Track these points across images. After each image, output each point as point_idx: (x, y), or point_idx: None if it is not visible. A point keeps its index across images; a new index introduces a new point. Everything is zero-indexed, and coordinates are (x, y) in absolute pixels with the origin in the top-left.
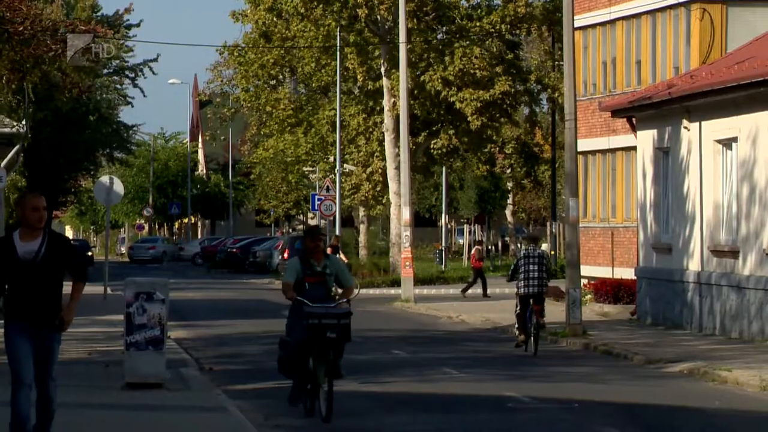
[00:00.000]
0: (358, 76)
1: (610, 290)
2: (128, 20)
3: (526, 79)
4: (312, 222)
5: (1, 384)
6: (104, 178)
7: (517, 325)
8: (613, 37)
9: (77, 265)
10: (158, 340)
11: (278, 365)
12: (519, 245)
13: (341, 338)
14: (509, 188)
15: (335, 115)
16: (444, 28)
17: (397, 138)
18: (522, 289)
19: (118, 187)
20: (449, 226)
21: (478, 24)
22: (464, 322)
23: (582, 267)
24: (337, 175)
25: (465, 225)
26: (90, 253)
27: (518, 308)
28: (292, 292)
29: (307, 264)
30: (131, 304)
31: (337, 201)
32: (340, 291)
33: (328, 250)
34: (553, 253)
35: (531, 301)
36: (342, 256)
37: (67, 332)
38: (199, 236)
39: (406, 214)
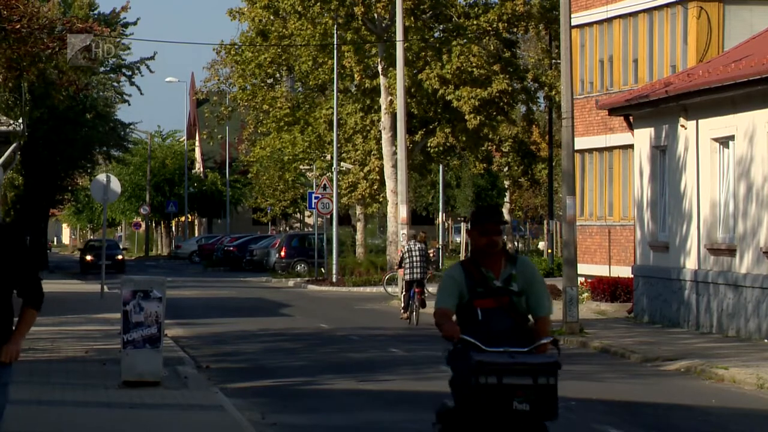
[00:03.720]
0: (355, 75)
1: (607, 288)
2: (125, 18)
3: (524, 77)
4: (309, 220)
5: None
6: (101, 176)
7: (402, 304)
8: (610, 35)
9: (28, 275)
10: (155, 338)
11: None
12: (515, 243)
13: (539, 413)
14: (506, 186)
15: (332, 113)
16: (441, 26)
17: (394, 136)
18: (407, 276)
19: (115, 185)
20: (446, 224)
21: (475, 22)
22: None
23: (579, 265)
24: (334, 173)
25: (462, 223)
26: (120, 257)
27: (403, 291)
28: (452, 325)
29: (478, 275)
30: (128, 302)
31: (334, 199)
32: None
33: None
34: (550, 251)
35: (414, 285)
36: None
37: (65, 330)
38: (196, 234)
39: (403, 212)
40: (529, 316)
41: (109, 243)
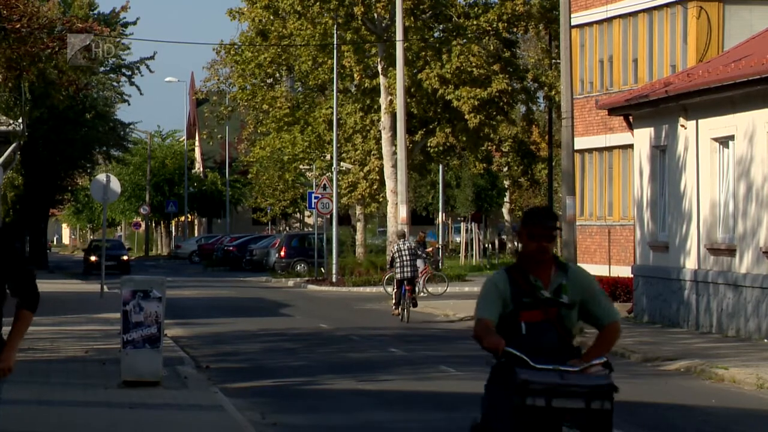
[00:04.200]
0: (355, 75)
1: (606, 288)
2: (125, 18)
3: (523, 77)
4: (308, 220)
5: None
6: (101, 176)
7: (394, 301)
8: (610, 35)
9: (22, 276)
10: (155, 338)
11: None
12: (515, 243)
13: None
14: (506, 186)
15: (332, 113)
16: (441, 26)
17: (394, 136)
18: (398, 275)
19: (115, 185)
20: (446, 224)
21: (475, 22)
22: (461, 321)
23: (579, 265)
24: (334, 173)
25: (462, 223)
26: (125, 257)
27: (395, 288)
28: (495, 337)
29: (525, 284)
30: (128, 302)
31: (334, 199)
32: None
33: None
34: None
35: (405, 283)
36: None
37: (65, 330)
38: (196, 234)
39: (403, 212)
40: (573, 331)
41: (113, 243)
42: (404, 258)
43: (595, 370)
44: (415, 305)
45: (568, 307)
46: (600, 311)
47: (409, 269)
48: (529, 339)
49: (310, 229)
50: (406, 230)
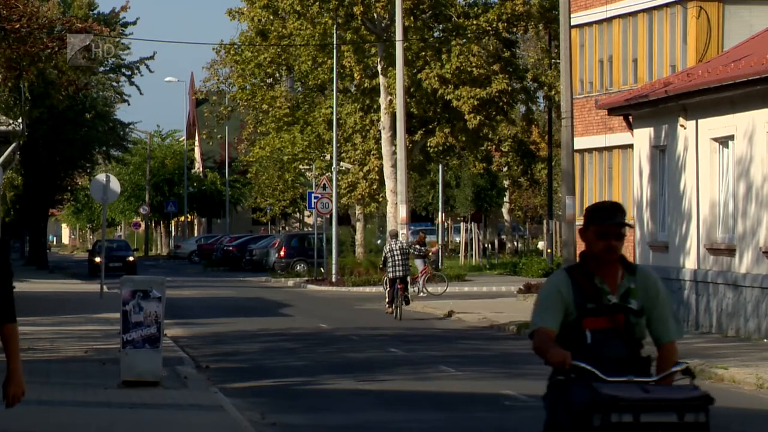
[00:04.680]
0: (355, 75)
1: None
2: (124, 18)
3: (523, 77)
4: (308, 220)
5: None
6: (101, 176)
7: (387, 299)
8: (610, 35)
9: (7, 291)
10: (155, 338)
11: None
12: (515, 243)
13: None
14: (506, 186)
15: (332, 113)
16: (441, 26)
17: (393, 136)
18: (391, 274)
19: (115, 185)
20: (446, 224)
21: (474, 22)
22: (461, 320)
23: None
24: (334, 173)
25: (461, 223)
26: (132, 258)
27: (388, 287)
28: (560, 349)
29: (590, 288)
30: (128, 302)
31: (334, 199)
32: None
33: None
34: (549, 251)
35: (397, 281)
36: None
37: (64, 330)
38: (196, 234)
39: (403, 212)
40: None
41: (119, 244)
42: (396, 257)
43: (674, 378)
44: (407, 303)
45: (636, 314)
46: (660, 325)
47: (401, 268)
48: (594, 349)
49: (310, 229)
50: (398, 230)
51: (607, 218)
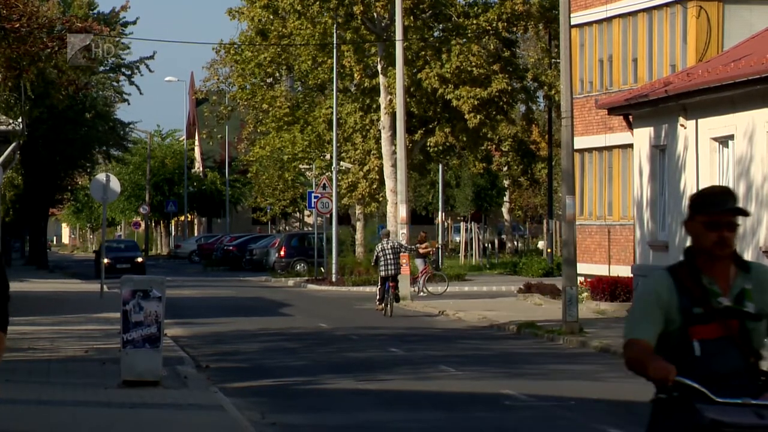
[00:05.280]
0: (355, 74)
1: (606, 288)
2: (124, 18)
3: (523, 76)
4: (308, 219)
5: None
6: (101, 176)
7: (378, 297)
8: (610, 34)
9: (3, 299)
10: (155, 337)
11: None
12: (515, 242)
13: None
14: (506, 186)
15: (332, 112)
16: (441, 25)
17: (393, 136)
18: (382, 272)
19: (115, 184)
20: (446, 224)
21: (474, 22)
22: (461, 320)
23: (579, 265)
24: (334, 172)
25: (461, 223)
26: (140, 259)
27: (379, 285)
28: (662, 363)
29: (698, 289)
30: (128, 302)
31: (334, 199)
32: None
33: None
34: (549, 251)
35: (388, 280)
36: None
37: (64, 330)
38: (196, 234)
39: (403, 211)
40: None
41: (127, 244)
42: (388, 257)
43: None
44: (397, 300)
45: (754, 318)
46: None
47: (392, 267)
48: (704, 362)
49: (310, 229)
50: (390, 230)
51: (717, 205)
